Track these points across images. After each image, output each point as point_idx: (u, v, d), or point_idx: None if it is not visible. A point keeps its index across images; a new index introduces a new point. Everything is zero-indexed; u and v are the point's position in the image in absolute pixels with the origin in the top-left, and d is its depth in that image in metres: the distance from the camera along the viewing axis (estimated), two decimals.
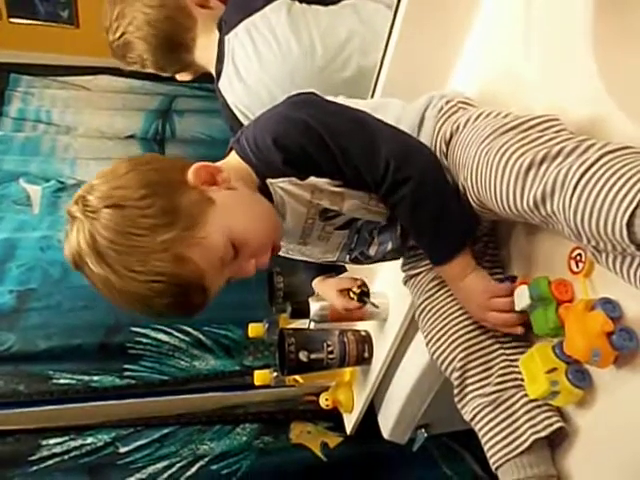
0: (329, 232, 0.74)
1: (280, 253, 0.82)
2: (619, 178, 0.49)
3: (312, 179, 0.68)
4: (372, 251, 0.79)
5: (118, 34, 1.14)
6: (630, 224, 0.48)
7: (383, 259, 0.84)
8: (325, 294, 1.00)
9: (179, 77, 1.24)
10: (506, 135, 0.60)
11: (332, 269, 1.03)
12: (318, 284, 1.00)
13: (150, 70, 1.20)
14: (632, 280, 0.56)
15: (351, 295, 1.02)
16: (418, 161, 0.68)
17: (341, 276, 0.98)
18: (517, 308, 0.70)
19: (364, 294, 0.99)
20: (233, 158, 0.71)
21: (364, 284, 1.03)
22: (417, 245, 0.80)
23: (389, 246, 0.79)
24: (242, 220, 0.65)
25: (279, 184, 0.69)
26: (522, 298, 0.69)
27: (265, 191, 0.70)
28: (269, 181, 0.69)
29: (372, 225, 0.75)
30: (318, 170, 0.67)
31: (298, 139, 0.65)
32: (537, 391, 0.65)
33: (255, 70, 1.10)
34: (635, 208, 0.47)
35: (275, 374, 1.40)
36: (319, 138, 0.65)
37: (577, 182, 0.51)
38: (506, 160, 0.57)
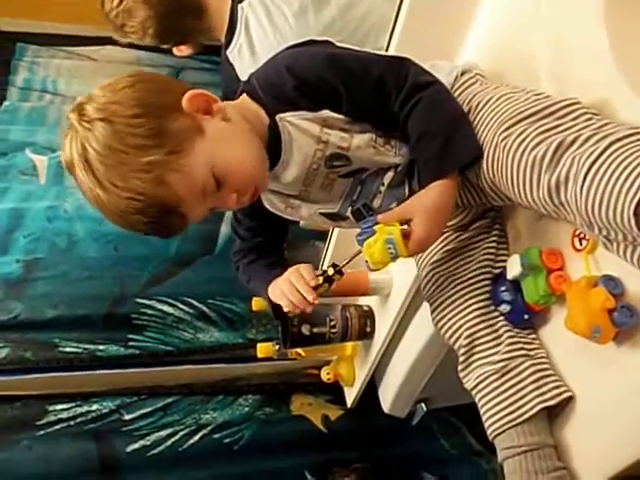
0: (332, 179, 0.74)
1: (277, 212, 0.79)
2: (625, 167, 0.50)
3: (323, 112, 0.68)
4: (376, 203, 0.76)
5: (117, 0, 1.10)
6: (637, 213, 0.49)
7: None
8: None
9: (177, 51, 1.18)
10: (525, 122, 0.60)
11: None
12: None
13: (148, 41, 1.15)
14: None
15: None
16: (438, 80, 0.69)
17: None
18: (509, 276, 0.71)
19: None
20: (242, 99, 0.72)
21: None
22: (421, 153, 0.68)
23: (394, 205, 0.75)
24: (228, 154, 0.66)
25: (288, 118, 0.68)
26: (514, 266, 0.70)
27: (274, 131, 0.69)
28: (278, 116, 0.69)
29: (378, 179, 0.74)
30: (333, 96, 0.67)
31: (313, 67, 0.65)
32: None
33: (269, 43, 1.06)
34: None
35: (278, 347, 1.41)
36: (336, 62, 0.66)
37: (587, 172, 0.52)
38: (523, 148, 0.58)
